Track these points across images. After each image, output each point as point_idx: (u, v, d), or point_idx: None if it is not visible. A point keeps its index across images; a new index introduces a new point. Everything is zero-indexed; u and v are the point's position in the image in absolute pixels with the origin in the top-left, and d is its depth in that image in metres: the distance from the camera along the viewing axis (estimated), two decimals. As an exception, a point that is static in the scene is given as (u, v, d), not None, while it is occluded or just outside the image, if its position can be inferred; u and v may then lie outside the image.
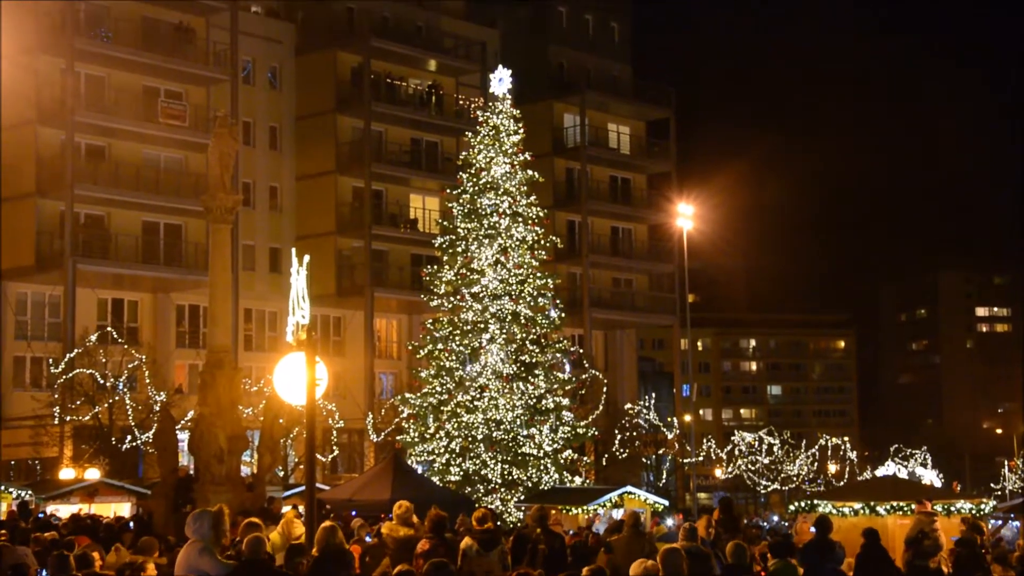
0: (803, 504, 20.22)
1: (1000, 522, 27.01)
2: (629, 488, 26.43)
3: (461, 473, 28.14)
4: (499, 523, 21.00)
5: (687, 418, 51.48)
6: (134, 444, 32.52)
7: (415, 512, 11.91)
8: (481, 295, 29.05)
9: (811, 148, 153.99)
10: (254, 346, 42.96)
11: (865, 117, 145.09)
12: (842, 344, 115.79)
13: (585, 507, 24.61)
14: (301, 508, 19.32)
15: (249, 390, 32.16)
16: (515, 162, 30.08)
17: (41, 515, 21.20)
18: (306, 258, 11.46)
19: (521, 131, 30.49)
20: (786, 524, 21.58)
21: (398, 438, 30.55)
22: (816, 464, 58.22)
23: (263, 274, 43.77)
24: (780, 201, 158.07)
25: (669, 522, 24.20)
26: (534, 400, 28.74)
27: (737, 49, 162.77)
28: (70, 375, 32.36)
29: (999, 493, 53.34)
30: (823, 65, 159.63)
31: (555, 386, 29.43)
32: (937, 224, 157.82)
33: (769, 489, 55.89)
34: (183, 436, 24.45)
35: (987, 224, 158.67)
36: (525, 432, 28.41)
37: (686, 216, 44.22)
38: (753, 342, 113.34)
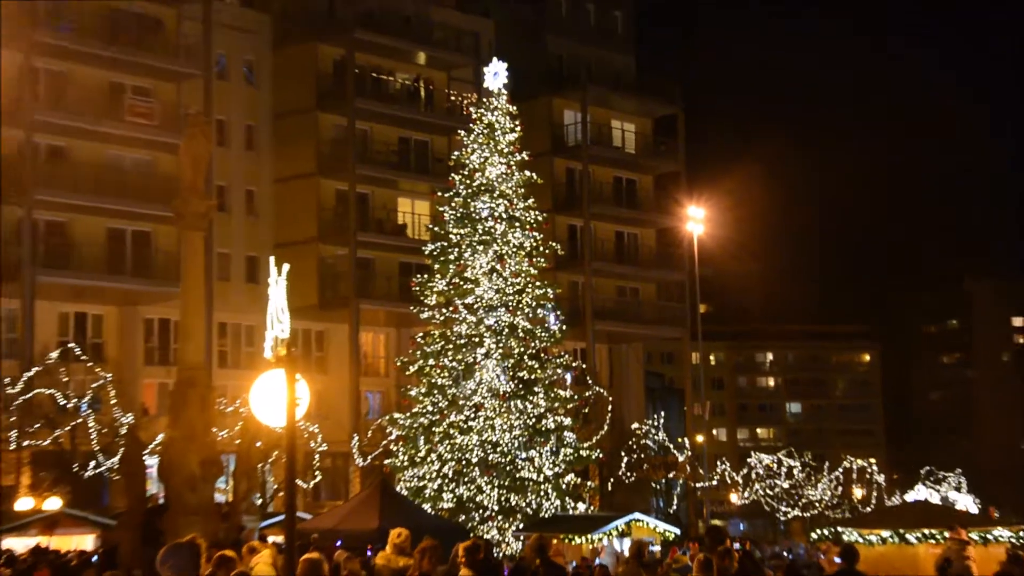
0: (826, 532, 20.17)
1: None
2: (637, 515, 26.36)
3: (454, 500, 28.06)
4: (496, 554, 20.93)
5: (699, 439, 51.41)
6: (98, 471, 32.37)
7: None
8: (475, 306, 29.01)
9: (833, 145, 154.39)
10: (229, 363, 42.85)
11: (895, 111, 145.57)
12: (867, 357, 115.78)
13: (589, 536, 24.53)
14: (278, 539, 19.18)
15: (224, 411, 32.04)
16: (511, 162, 30.08)
17: (-4, 549, 21.07)
18: (286, 267, 11.41)
19: (518, 129, 30.51)
20: (820, 553, 21.46)
21: (386, 462, 30.46)
22: (840, 488, 58.15)
23: (239, 285, 43.70)
24: (799, 203, 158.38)
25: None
26: (533, 420, 28.68)
27: (750, 39, 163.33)
28: (28, 396, 32.25)
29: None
30: (847, 53, 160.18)
31: (556, 404, 29.38)
32: (969, 227, 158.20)
33: (789, 516, 55.79)
34: (152, 462, 24.35)
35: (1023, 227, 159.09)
36: (524, 455, 28.34)
37: (696, 220, 44.23)
38: (770, 356, 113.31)
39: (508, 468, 28.17)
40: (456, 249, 29.48)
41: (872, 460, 61.94)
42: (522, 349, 28.98)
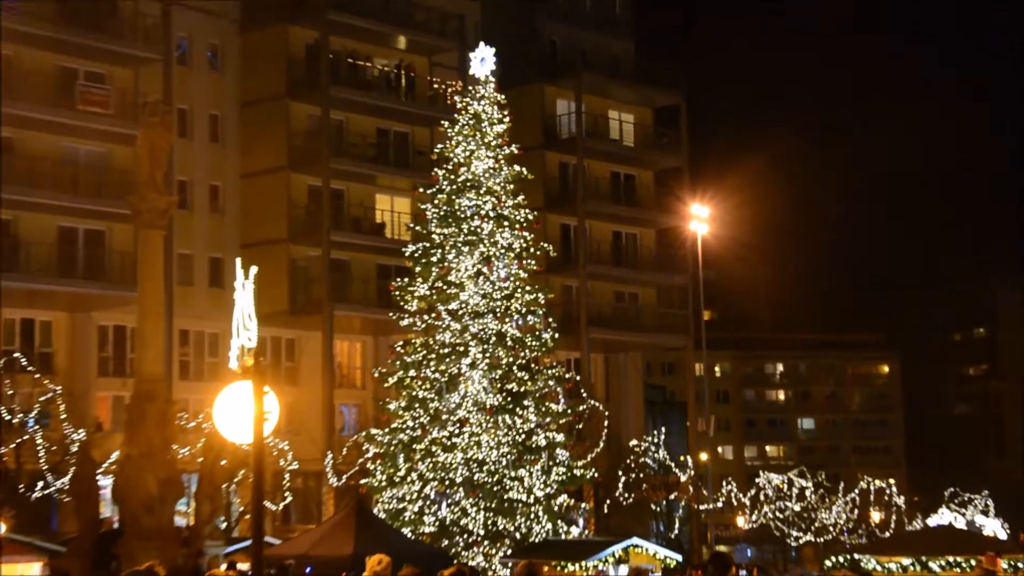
0: (842, 559, 20.23)
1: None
2: (635, 540, 26.39)
3: (437, 523, 28.05)
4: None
5: (703, 456, 51.46)
6: (46, 492, 32.24)
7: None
8: (460, 313, 29.01)
9: (847, 141, 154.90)
10: (191, 374, 42.75)
11: (911, 108, 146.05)
12: (885, 369, 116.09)
13: (583, 563, 24.55)
14: (244, 567, 19.18)
15: (185, 426, 31.97)
16: (499, 156, 30.11)
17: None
18: (253, 269, 11.42)
19: (507, 120, 30.54)
20: None
21: (362, 482, 30.43)
22: (856, 511, 58.30)
23: (202, 289, 43.61)
24: (811, 202, 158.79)
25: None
26: (523, 436, 28.69)
27: (758, 24, 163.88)
28: (-30, 410, 32.10)
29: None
30: (861, 38, 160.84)
31: (547, 420, 29.39)
32: (994, 229, 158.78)
33: (801, 541, 55.90)
34: (106, 482, 24.27)
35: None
36: (512, 474, 28.35)
37: (700, 219, 44.28)
38: (780, 367, 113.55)
39: (495, 489, 28.16)
40: (439, 250, 29.48)
41: (891, 480, 62.12)
42: (511, 359, 28.98)
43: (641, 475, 44.14)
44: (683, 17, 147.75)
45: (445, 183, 29.99)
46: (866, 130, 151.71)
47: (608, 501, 41.99)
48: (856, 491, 58.39)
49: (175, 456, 21.32)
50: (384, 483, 28.90)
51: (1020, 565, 18.24)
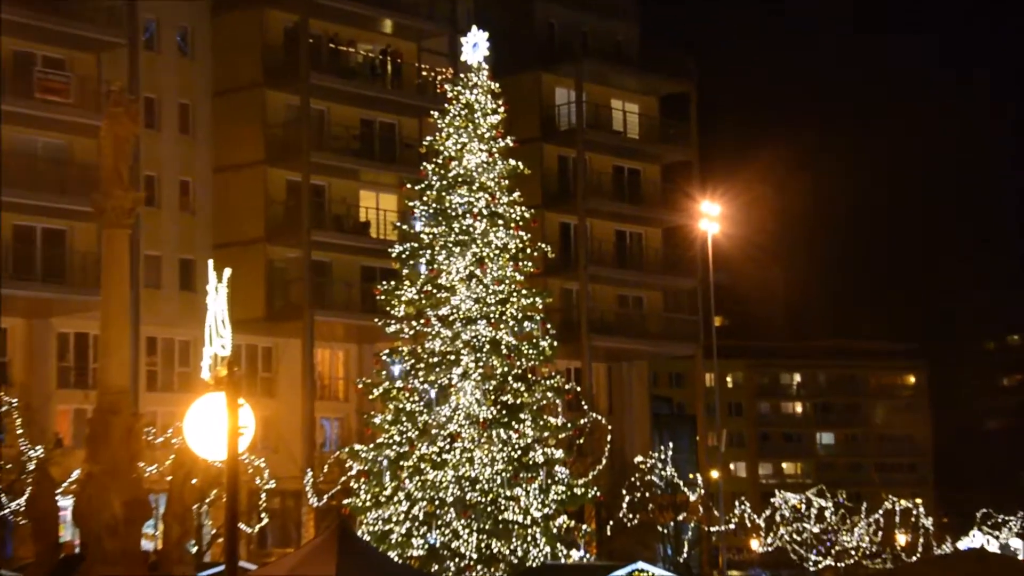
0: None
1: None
2: (640, 565, 26.38)
3: (426, 546, 28.03)
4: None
5: (714, 474, 51.49)
6: (1, 514, 32.16)
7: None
8: (451, 318, 29.02)
9: (870, 132, 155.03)
10: (160, 385, 42.74)
11: (946, 106, 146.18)
12: (912, 379, 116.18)
13: (585, 590, 24.50)
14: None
15: (153, 442, 31.94)
16: (494, 149, 30.13)
17: None
18: (227, 272, 11.41)
19: (501, 110, 30.56)
20: None
21: (345, 502, 30.41)
22: (880, 533, 58.29)
23: (171, 293, 43.60)
24: (830, 199, 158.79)
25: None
26: (519, 452, 28.69)
27: (773, 5, 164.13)
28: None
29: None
30: (885, 23, 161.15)
31: (546, 434, 29.40)
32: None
33: (821, 566, 55.88)
34: (66, 503, 24.22)
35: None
36: (508, 493, 28.35)
37: (711, 217, 44.33)
38: (797, 377, 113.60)
39: (489, 509, 28.16)
40: (428, 251, 29.49)
41: (918, 501, 62.09)
42: (506, 369, 28.98)
43: (647, 494, 44.11)
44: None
45: (435, 178, 30.00)
46: (897, 122, 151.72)
47: (611, 522, 41.97)
48: (880, 512, 58.35)
49: (142, 474, 21.25)
50: (369, 503, 28.88)
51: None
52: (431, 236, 29.57)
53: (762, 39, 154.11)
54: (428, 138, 31.43)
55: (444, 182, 29.84)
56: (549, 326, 30.94)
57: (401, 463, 28.67)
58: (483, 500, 28.16)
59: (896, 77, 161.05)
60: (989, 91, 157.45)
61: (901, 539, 59.61)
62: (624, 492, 42.86)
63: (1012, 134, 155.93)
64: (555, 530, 28.99)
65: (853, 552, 55.85)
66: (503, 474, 28.48)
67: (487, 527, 28.07)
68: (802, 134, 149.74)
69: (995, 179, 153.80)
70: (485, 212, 29.51)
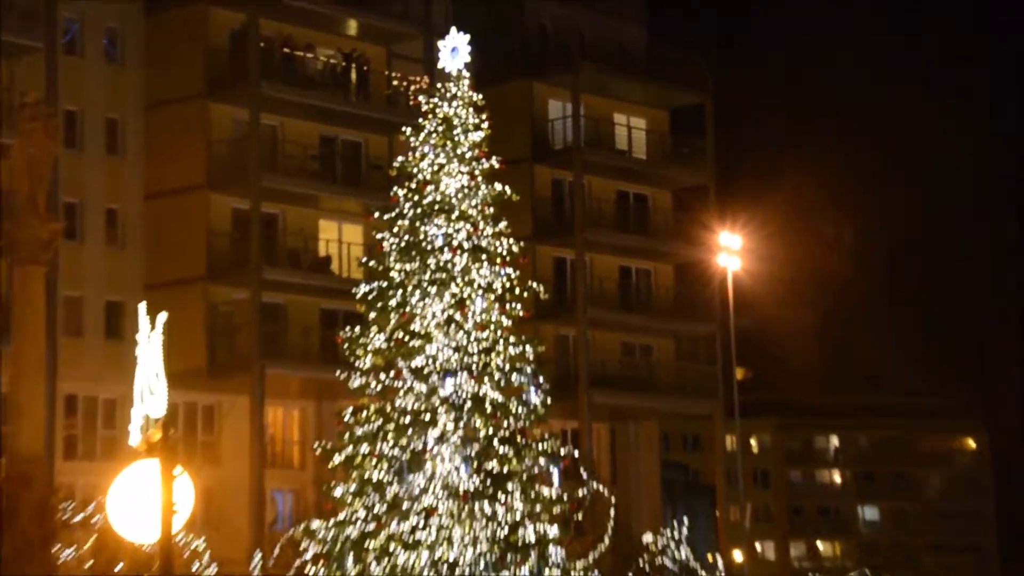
0: None
1: None
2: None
3: (396, 643, 27.85)
4: None
5: (737, 555, 51.32)
6: None
7: None
8: (426, 371, 28.93)
9: (914, 151, 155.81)
10: (80, 452, 42.56)
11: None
12: (971, 444, 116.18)
13: None
14: None
15: (71, 520, 31.69)
16: (476, 172, 30.15)
17: None
18: (162, 317, 11.38)
19: (485, 126, 30.61)
20: None
21: (300, 590, 30.19)
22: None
23: (95, 342, 43.49)
24: (870, 230, 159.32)
25: None
26: (506, 530, 28.55)
27: (802, 3, 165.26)
28: None
29: None
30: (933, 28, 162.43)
31: (538, 508, 29.27)
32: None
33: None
34: (-31, 591, 24.03)
35: None
36: (494, 579, 28.19)
37: (731, 251, 44.45)
38: (835, 440, 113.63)
39: (471, 598, 27.99)
40: (400, 291, 29.43)
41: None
42: (491, 430, 28.87)
43: (658, 579, 43.99)
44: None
45: (407, 206, 29.98)
46: (950, 138, 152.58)
47: (616, 613, 41.78)
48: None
49: (56, 558, 21.12)
50: (328, 591, 28.69)
51: None
52: (403, 274, 29.51)
53: (789, 41, 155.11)
54: (399, 158, 31.43)
55: (418, 210, 29.82)
56: (542, 379, 30.85)
57: (367, 544, 28.50)
58: (464, 586, 27.99)
59: (936, 84, 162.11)
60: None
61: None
62: (631, 576, 42.70)
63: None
64: (549, 622, 28.83)
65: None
66: (487, 556, 28.33)
67: (469, 619, 27.89)
68: (836, 152, 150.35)
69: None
70: (466, 245, 29.49)
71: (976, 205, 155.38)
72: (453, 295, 29.28)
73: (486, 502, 28.50)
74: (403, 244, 29.87)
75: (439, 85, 31.13)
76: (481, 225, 29.97)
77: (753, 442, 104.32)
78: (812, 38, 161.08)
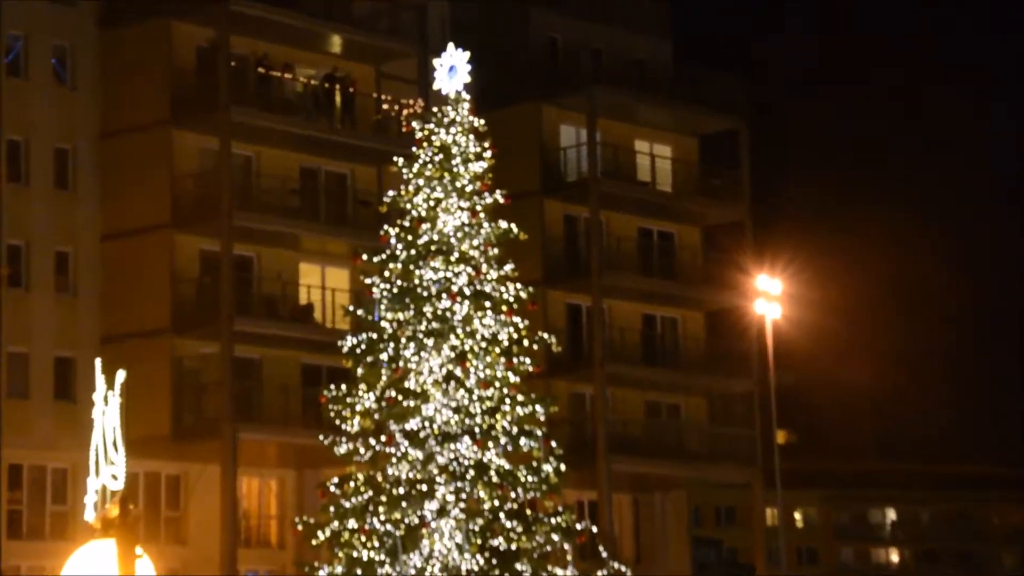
0: None
1: None
2: None
3: None
4: None
5: (781, 646, 51.08)
6: None
7: None
8: (422, 435, 28.95)
9: (977, 182, 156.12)
10: (26, 530, 42.47)
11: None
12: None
13: None
14: None
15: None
16: (478, 207, 30.25)
17: None
18: (120, 375, 11.47)
19: (488, 155, 30.73)
20: None
21: None
22: None
23: (44, 404, 43.49)
24: (928, 275, 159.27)
25: None
26: (516, 617, 28.52)
27: (844, 16, 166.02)
28: None
29: None
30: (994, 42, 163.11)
31: (552, 592, 29.23)
32: None
33: None
34: None
35: None
36: (500, 673, 28.14)
37: (770, 296, 44.46)
38: (891, 514, 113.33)
39: None
40: (392, 344, 29.49)
41: None
42: (497, 503, 28.88)
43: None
44: (746, 4, 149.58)
45: (399, 246, 30.06)
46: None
47: None
48: None
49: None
50: None
51: None
52: (395, 324, 29.57)
53: (833, 58, 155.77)
54: (390, 193, 31.55)
55: (412, 251, 29.90)
56: (555, 444, 30.87)
57: (355, 633, 28.48)
58: None
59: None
60: None
61: None
62: (658, 670, 42.56)
63: None
64: None
65: None
66: (494, 646, 28.29)
67: None
68: (888, 185, 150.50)
69: None
70: (467, 292, 29.56)
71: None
72: (453, 348, 29.33)
73: (492, 585, 28.49)
74: (395, 290, 29.93)
75: (435, 109, 31.26)
76: (484, 268, 30.05)
77: (797, 516, 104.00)
78: (865, 41, 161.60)
